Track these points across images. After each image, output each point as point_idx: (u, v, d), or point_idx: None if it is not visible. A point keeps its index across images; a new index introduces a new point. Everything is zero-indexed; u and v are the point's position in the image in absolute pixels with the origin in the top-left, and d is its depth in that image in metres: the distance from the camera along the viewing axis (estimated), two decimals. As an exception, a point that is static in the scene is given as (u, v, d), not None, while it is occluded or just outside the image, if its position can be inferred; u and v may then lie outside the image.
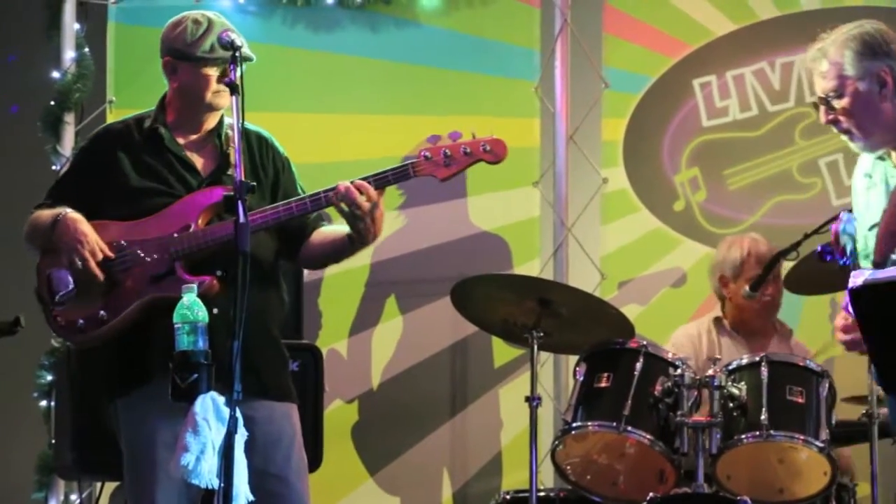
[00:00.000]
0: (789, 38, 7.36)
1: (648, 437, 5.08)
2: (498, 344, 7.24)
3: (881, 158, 4.41)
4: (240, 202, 4.22)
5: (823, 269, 5.34)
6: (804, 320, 7.02)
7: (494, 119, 7.35)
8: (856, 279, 3.51)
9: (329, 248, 4.80)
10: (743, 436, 5.04)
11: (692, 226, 7.40)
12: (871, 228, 4.35)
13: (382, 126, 7.49)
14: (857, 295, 3.34)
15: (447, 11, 7.57)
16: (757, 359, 5.23)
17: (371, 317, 7.48)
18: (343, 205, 4.58)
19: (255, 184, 4.41)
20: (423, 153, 4.63)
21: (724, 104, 7.42)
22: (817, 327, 7.07)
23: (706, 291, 6.62)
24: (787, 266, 5.77)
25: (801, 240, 5.49)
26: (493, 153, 4.66)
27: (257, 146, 4.83)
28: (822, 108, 4.35)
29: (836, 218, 5.42)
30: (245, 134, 4.56)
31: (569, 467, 5.32)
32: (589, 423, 5.20)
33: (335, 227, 4.78)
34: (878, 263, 4.22)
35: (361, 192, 4.57)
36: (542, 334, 5.45)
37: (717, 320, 6.36)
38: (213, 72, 4.69)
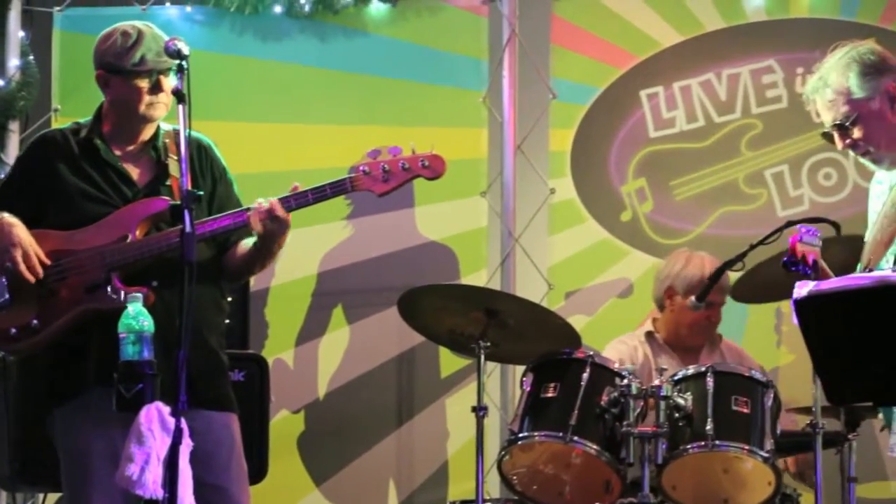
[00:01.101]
0: (736, 50, 7.40)
1: (595, 447, 5.08)
2: (445, 354, 7.23)
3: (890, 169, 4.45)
4: (186, 211, 4.21)
5: (769, 278, 5.39)
6: (749, 329, 7.06)
7: (442, 129, 7.36)
8: (800, 290, 3.52)
9: (242, 260, 4.81)
10: (688, 446, 5.05)
11: (639, 236, 7.42)
12: None
13: (330, 136, 7.48)
14: (802, 306, 3.35)
15: (395, 21, 7.57)
16: (703, 369, 5.24)
17: (318, 327, 7.46)
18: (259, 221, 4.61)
19: (202, 193, 4.40)
20: (361, 168, 4.65)
21: (671, 115, 7.45)
22: (762, 336, 7.12)
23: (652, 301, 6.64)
24: (733, 276, 5.79)
25: (747, 251, 5.50)
26: (432, 168, 4.69)
27: (197, 154, 4.81)
28: (837, 134, 4.36)
29: (782, 229, 5.48)
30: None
31: (515, 477, 5.31)
32: (535, 434, 5.19)
33: (251, 240, 4.78)
34: (869, 268, 4.26)
35: (274, 211, 4.57)
36: (488, 344, 5.44)
37: (649, 334, 6.38)
38: (144, 83, 4.67)
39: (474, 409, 5.50)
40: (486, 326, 5.42)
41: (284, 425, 7.29)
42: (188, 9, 7.53)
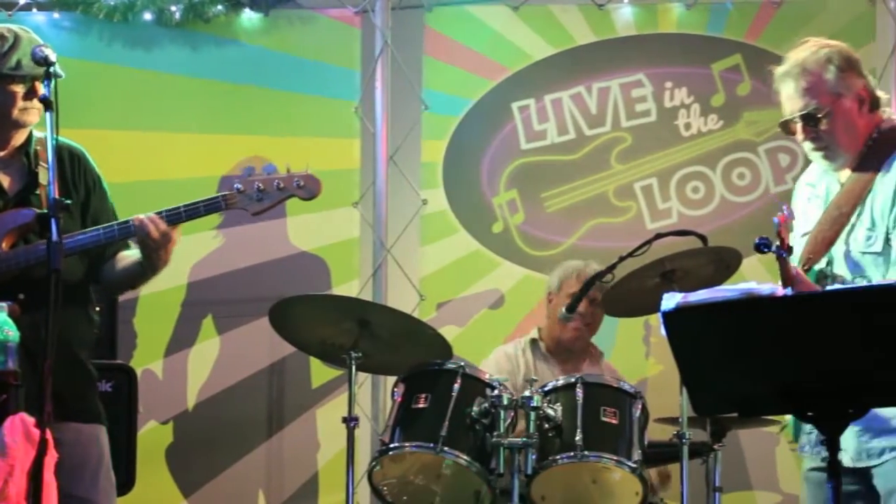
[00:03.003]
0: (606, 64, 7.47)
1: (465, 457, 5.09)
2: (316, 365, 7.21)
3: (827, 171, 4.48)
4: (53, 220, 4.15)
5: (638, 291, 5.44)
6: (619, 341, 7.13)
7: (315, 139, 7.35)
8: (668, 302, 3.56)
9: (124, 273, 4.76)
10: (558, 456, 5.08)
11: (510, 248, 7.45)
12: (802, 236, 4.44)
13: (201, 145, 7.43)
14: (670, 317, 3.39)
15: (268, 31, 7.54)
16: (572, 380, 5.27)
17: (187, 337, 7.39)
18: (139, 236, 4.57)
19: (70, 202, 4.34)
20: (236, 186, 4.62)
21: (543, 127, 7.50)
22: (631, 347, 7.19)
23: (523, 313, 6.68)
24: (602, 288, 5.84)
25: (616, 262, 5.56)
26: (307, 189, 4.68)
27: (69, 162, 4.74)
28: (801, 124, 4.35)
29: (651, 241, 5.54)
30: (57, 149, 4.48)
31: (385, 488, 5.31)
32: (406, 444, 5.19)
33: (132, 252, 4.73)
34: (806, 267, 4.30)
35: (155, 226, 4.54)
36: (360, 355, 5.43)
37: (533, 342, 6.42)
38: (19, 88, 4.60)
39: (345, 420, 5.49)
40: (357, 337, 5.41)
41: (153, 436, 7.22)
42: (56, 15, 7.43)
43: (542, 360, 6.36)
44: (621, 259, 5.55)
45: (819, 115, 4.30)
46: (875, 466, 4.27)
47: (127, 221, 4.60)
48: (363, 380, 6.89)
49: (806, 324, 3.25)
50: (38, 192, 4.64)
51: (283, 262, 7.43)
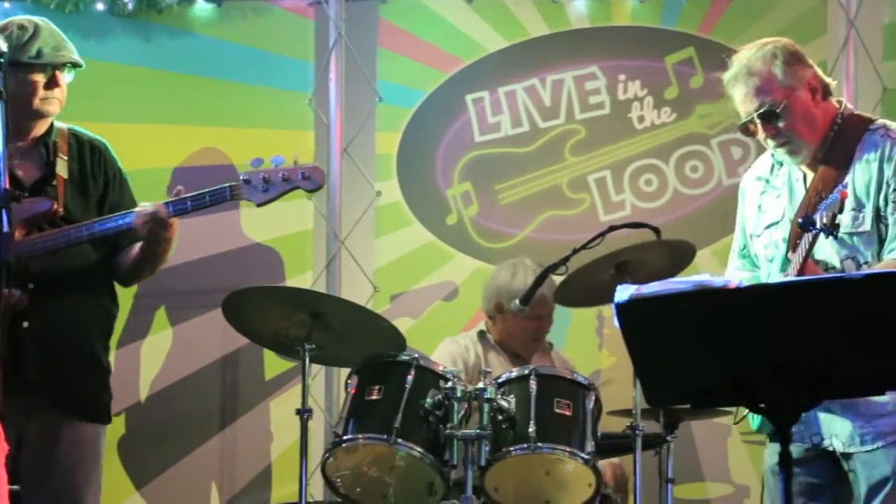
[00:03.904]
0: (559, 56, 7.49)
1: (418, 449, 5.09)
2: (269, 356, 7.20)
3: (780, 163, 4.50)
4: (4, 211, 4.13)
5: (591, 281, 5.46)
6: (573, 333, 7.15)
7: (268, 131, 7.33)
8: (621, 294, 3.57)
9: (130, 262, 4.76)
10: (511, 448, 5.08)
11: (464, 240, 7.46)
12: (767, 227, 4.48)
13: (155, 136, 7.39)
14: (623, 309, 3.40)
15: (221, 22, 7.51)
16: (526, 371, 5.27)
17: (140, 328, 7.36)
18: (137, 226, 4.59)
19: (19, 193, 4.33)
20: (243, 177, 4.62)
21: (497, 120, 7.50)
22: (585, 339, 7.21)
23: (477, 305, 6.67)
24: (556, 279, 5.85)
25: (570, 254, 5.57)
26: (312, 181, 4.70)
27: (90, 155, 4.76)
28: (761, 123, 4.36)
29: (604, 233, 5.56)
30: (79, 142, 4.51)
31: (339, 480, 5.30)
32: (360, 436, 5.18)
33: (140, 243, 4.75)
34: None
35: (157, 214, 4.54)
36: (313, 347, 5.42)
37: (482, 334, 6.42)
38: (40, 78, 4.69)
39: (299, 412, 5.48)
40: (311, 329, 5.41)
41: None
42: (7, 5, 7.39)
43: (493, 351, 6.36)
44: (575, 251, 5.56)
45: (776, 111, 4.32)
46: (865, 453, 4.29)
47: (134, 211, 4.61)
48: (317, 371, 6.88)
49: (758, 315, 3.27)
50: (54, 182, 4.64)
51: (237, 253, 7.41)
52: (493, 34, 7.52)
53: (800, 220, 4.15)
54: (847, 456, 4.32)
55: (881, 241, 4.27)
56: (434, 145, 7.51)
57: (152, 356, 7.39)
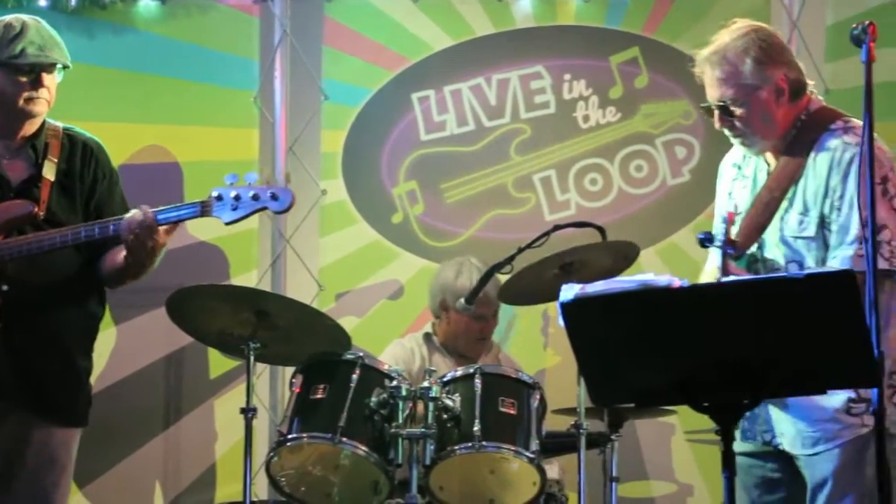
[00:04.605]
0: (505, 55, 7.50)
1: (363, 448, 5.08)
2: (214, 355, 7.17)
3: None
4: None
5: (536, 281, 5.47)
6: (517, 332, 7.16)
7: (213, 129, 7.31)
8: (566, 293, 3.57)
9: (112, 268, 4.74)
10: (456, 447, 5.09)
11: (410, 238, 7.46)
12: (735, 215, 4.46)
13: (99, 134, 7.26)
14: (568, 308, 3.41)
15: (165, 19, 7.47)
16: (471, 370, 5.28)
17: (83, 327, 7.30)
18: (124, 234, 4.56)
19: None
20: (214, 193, 4.60)
21: (442, 118, 7.51)
22: (530, 338, 7.23)
23: (423, 304, 6.68)
24: (502, 278, 5.85)
25: (515, 253, 5.57)
26: (280, 202, 4.67)
27: (81, 155, 4.73)
28: (717, 113, 4.37)
29: (549, 232, 5.56)
30: (72, 141, 4.56)
31: (283, 479, 5.29)
32: (304, 435, 5.17)
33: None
34: (738, 253, 4.31)
35: (142, 225, 4.51)
36: (258, 345, 5.40)
37: (427, 336, 6.43)
38: (24, 77, 4.66)
39: (243, 411, 5.46)
40: (255, 327, 5.38)
41: (48, 428, 7.13)
42: (-51, -2, 7.33)
43: (438, 353, 6.37)
44: (520, 250, 5.57)
45: (733, 108, 4.34)
46: (809, 455, 4.31)
47: (106, 222, 4.60)
48: (261, 370, 6.87)
49: (701, 315, 3.29)
50: (40, 184, 4.60)
51: (181, 251, 7.35)
52: (439, 33, 7.52)
53: (700, 236, 4.19)
54: (794, 456, 4.35)
55: (828, 247, 4.28)
56: (380, 144, 7.51)
57: (96, 355, 7.27)
